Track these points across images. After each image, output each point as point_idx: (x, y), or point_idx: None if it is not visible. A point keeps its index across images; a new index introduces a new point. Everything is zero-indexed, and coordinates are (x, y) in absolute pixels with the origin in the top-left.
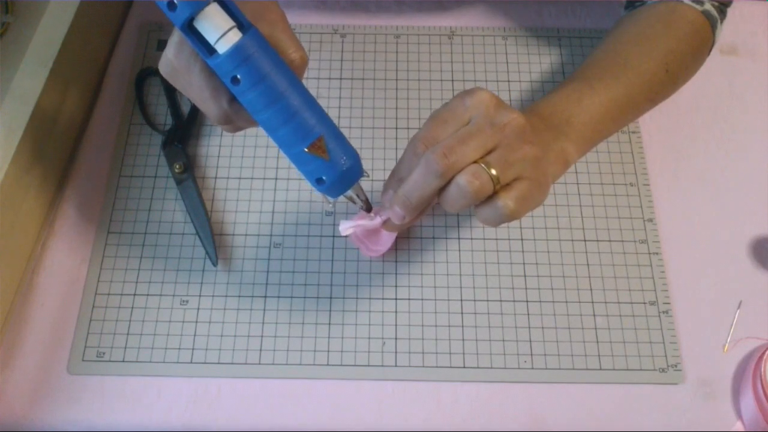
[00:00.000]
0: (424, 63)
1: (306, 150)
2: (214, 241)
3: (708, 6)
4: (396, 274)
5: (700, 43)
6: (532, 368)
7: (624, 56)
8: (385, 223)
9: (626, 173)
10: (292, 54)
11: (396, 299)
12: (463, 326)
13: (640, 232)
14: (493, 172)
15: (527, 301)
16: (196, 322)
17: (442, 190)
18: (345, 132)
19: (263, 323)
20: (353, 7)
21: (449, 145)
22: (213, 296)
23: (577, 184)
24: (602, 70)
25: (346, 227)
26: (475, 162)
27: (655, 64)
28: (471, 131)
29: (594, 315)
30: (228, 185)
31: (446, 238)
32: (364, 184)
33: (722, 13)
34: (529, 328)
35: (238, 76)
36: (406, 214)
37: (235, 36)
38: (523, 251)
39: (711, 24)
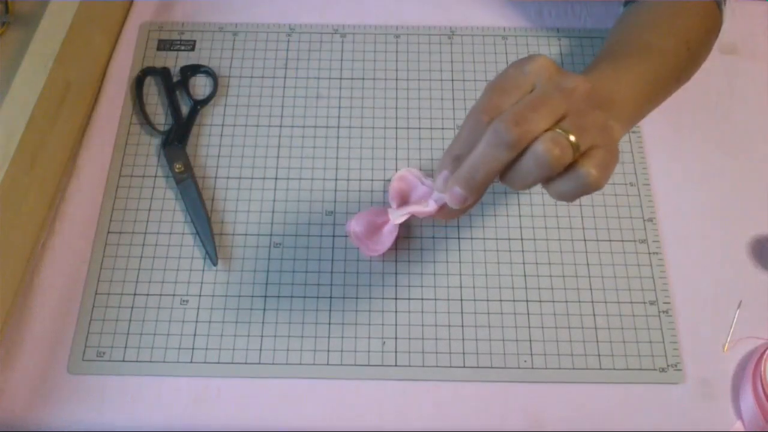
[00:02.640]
0: (424, 63)
1: None
2: (214, 241)
3: None
4: (396, 274)
5: (712, 22)
6: (532, 368)
7: (646, 38)
8: (440, 210)
9: (626, 173)
10: None
11: (396, 299)
12: (463, 326)
13: (640, 232)
14: (572, 138)
15: (527, 301)
16: (196, 322)
17: (509, 165)
18: (345, 132)
19: (263, 323)
20: (353, 7)
21: (519, 112)
22: (213, 296)
23: None
24: (628, 52)
25: (398, 216)
26: (548, 130)
27: (677, 43)
28: (540, 97)
29: (594, 315)
30: (228, 185)
31: (446, 238)
32: (365, 184)
33: None
34: (529, 328)
35: None
36: (468, 195)
37: None
38: (523, 251)
39: (717, 4)
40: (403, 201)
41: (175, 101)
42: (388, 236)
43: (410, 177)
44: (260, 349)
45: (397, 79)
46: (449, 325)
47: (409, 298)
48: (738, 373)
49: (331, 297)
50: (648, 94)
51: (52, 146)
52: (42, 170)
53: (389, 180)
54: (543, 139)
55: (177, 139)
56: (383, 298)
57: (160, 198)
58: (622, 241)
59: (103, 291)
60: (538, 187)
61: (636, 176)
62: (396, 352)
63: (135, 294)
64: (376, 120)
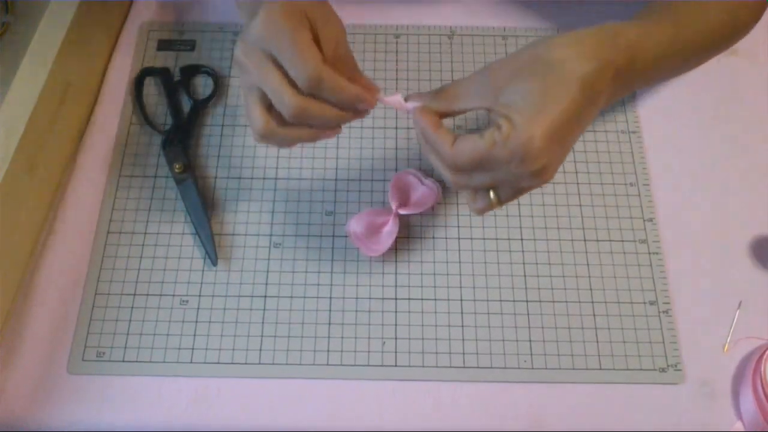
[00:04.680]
0: (424, 63)
1: None
2: (214, 241)
3: None
4: (396, 274)
5: (757, 6)
6: (532, 368)
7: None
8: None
9: (626, 173)
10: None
11: (396, 299)
12: (463, 326)
13: (640, 232)
14: (495, 198)
15: (527, 301)
16: (196, 322)
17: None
18: (345, 132)
19: (263, 323)
20: (353, 7)
21: (463, 183)
22: (213, 296)
23: (577, 184)
24: (676, 11)
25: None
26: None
27: (727, 13)
28: (493, 178)
29: (594, 315)
30: (228, 185)
31: (446, 238)
32: (365, 184)
33: None
34: (529, 328)
35: None
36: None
37: None
38: (523, 251)
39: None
40: (403, 200)
41: (176, 101)
42: (387, 236)
43: (410, 177)
44: (260, 349)
45: (397, 79)
46: (449, 325)
47: (409, 298)
48: (738, 373)
49: (331, 297)
50: (682, 56)
51: (52, 146)
52: (42, 170)
53: (389, 180)
54: (468, 193)
55: (177, 139)
56: (383, 298)
57: (160, 198)
58: (622, 241)
59: (103, 291)
60: (540, 188)
61: (636, 176)
62: (396, 352)
63: (135, 294)
64: (376, 120)
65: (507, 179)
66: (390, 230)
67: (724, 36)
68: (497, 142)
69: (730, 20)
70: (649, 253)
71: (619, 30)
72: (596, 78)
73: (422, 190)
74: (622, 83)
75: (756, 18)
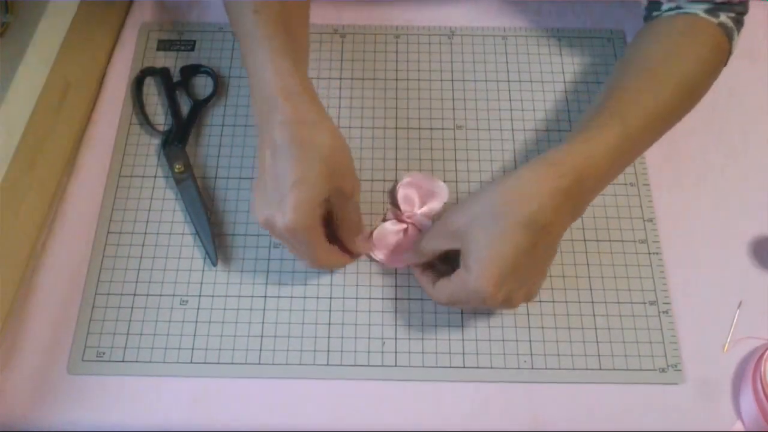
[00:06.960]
0: (424, 63)
1: None
2: (214, 241)
3: (724, 18)
4: (396, 274)
5: (718, 61)
6: (532, 368)
7: (649, 81)
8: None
9: (626, 173)
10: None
11: (396, 299)
12: (463, 326)
13: (640, 232)
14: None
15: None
16: (196, 322)
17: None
18: (345, 132)
19: (263, 323)
20: (353, 6)
21: (456, 308)
22: (213, 296)
23: None
24: (626, 103)
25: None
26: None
27: (680, 91)
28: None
29: (594, 315)
30: (228, 185)
31: None
32: (365, 184)
33: (739, 23)
34: (529, 328)
35: None
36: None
37: None
38: None
39: (728, 37)
40: (421, 201)
41: (175, 101)
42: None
43: (420, 180)
44: (260, 349)
45: (397, 79)
46: (449, 326)
47: (409, 298)
48: (738, 373)
49: (331, 297)
50: (632, 154)
51: (52, 146)
52: (42, 170)
53: (389, 180)
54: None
55: (177, 139)
56: (383, 298)
57: (160, 198)
58: (622, 241)
59: (103, 291)
60: None
61: (636, 176)
62: (396, 352)
63: (135, 294)
64: (376, 120)
65: (483, 306)
66: (409, 243)
67: (681, 116)
68: (460, 286)
69: (688, 102)
70: (649, 253)
71: (559, 158)
72: (539, 215)
73: (436, 189)
74: (583, 197)
75: (706, 86)
